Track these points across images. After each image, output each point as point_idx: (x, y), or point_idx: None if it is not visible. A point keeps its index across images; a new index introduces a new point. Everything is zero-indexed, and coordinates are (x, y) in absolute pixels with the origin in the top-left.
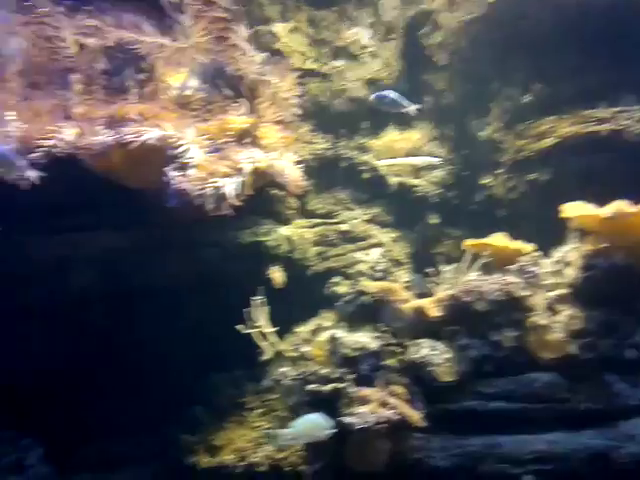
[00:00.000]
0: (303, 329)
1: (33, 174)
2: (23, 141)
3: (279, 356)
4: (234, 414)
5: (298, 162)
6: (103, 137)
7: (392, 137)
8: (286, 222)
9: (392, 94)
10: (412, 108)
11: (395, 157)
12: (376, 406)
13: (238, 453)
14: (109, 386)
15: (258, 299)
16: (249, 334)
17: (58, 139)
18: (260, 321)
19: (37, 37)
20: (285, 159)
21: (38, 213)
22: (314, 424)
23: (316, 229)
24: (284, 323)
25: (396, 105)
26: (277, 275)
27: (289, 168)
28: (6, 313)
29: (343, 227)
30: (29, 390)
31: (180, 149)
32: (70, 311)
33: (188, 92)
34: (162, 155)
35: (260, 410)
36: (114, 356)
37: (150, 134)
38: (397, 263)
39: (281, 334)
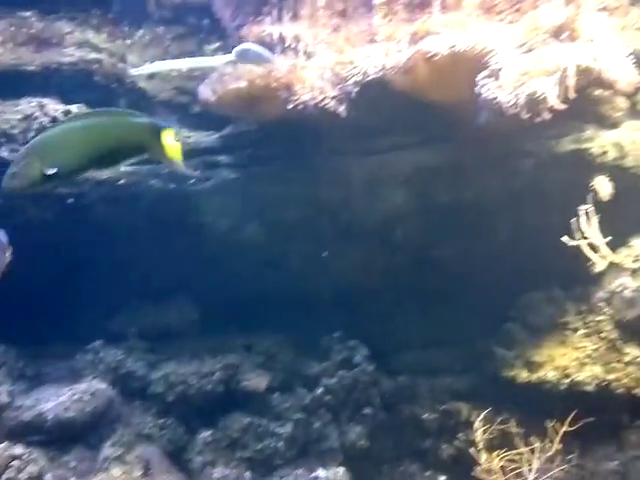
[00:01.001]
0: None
1: (341, 108)
2: (335, 70)
3: (613, 268)
4: (553, 333)
5: (628, 55)
6: (408, 54)
7: None
8: (613, 126)
9: None
10: None
11: None
12: None
13: (561, 371)
14: (423, 299)
15: (585, 208)
16: (569, 250)
17: (367, 64)
18: (589, 232)
19: None
20: (612, 52)
21: (350, 136)
22: None
23: None
24: (613, 237)
25: None
26: (603, 186)
27: (617, 63)
28: (324, 232)
29: None
30: (348, 299)
31: (490, 55)
32: (382, 230)
33: None
34: (471, 64)
35: (583, 331)
36: (427, 272)
37: (457, 43)
38: None
39: (612, 248)
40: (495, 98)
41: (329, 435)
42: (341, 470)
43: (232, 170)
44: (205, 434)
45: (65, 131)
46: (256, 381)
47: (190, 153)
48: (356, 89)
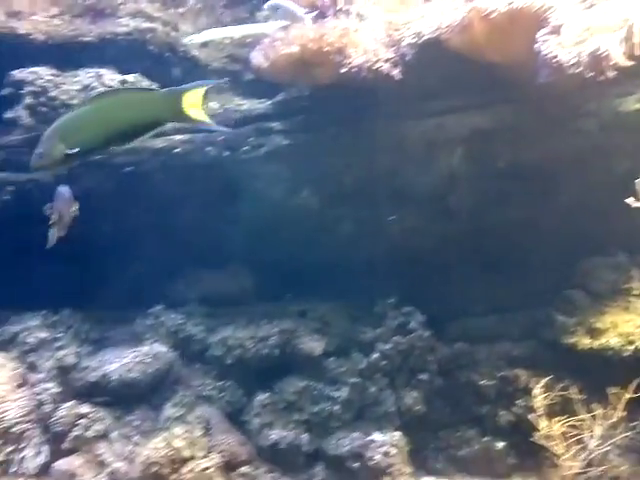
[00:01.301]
0: None
1: (395, 71)
2: (388, 32)
3: None
4: (616, 299)
5: None
6: (464, 12)
7: None
8: None
9: None
10: None
11: None
12: None
13: (624, 337)
14: (480, 265)
15: None
16: (634, 213)
17: (421, 24)
18: None
19: None
20: None
21: (405, 99)
22: None
23: None
24: None
25: None
26: None
27: None
28: (378, 198)
29: None
30: (404, 265)
31: (550, 11)
32: (438, 195)
33: None
34: (529, 22)
35: None
36: (484, 237)
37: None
38: None
39: None
40: (555, 56)
41: (385, 400)
42: (397, 434)
43: (285, 136)
44: (262, 397)
45: (83, 114)
46: (311, 346)
47: (243, 120)
48: (411, 50)
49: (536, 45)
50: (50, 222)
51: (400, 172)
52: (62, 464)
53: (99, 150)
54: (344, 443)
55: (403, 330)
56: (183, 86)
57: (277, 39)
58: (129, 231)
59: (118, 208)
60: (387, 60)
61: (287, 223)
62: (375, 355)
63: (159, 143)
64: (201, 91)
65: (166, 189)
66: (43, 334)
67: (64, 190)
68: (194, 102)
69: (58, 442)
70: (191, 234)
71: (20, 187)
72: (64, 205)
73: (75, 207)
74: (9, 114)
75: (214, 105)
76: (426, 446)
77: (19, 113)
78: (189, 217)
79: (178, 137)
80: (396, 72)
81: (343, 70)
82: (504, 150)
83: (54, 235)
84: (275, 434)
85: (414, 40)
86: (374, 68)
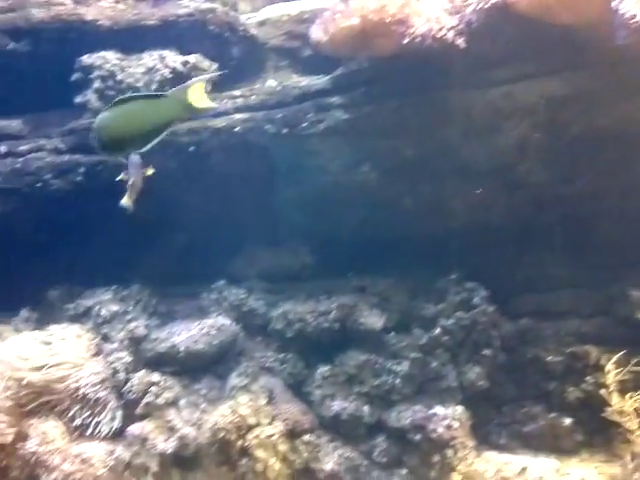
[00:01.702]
0: None
1: (460, 39)
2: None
3: None
4: None
5: None
6: None
7: None
8: None
9: None
10: None
11: None
12: None
13: None
14: (548, 239)
15: None
16: None
17: None
18: None
19: None
20: None
21: (471, 68)
22: None
23: None
24: None
25: None
26: None
27: None
28: (441, 171)
29: None
30: (467, 240)
31: None
32: (505, 166)
33: None
34: None
35: None
36: (553, 210)
37: None
38: None
39: None
40: (634, 15)
41: (447, 374)
42: (460, 408)
43: (345, 111)
44: (323, 369)
45: (106, 119)
46: (372, 320)
47: (302, 97)
48: (476, 17)
49: (613, 4)
50: (126, 186)
51: (465, 144)
52: (135, 429)
53: (127, 149)
54: (406, 415)
55: (466, 305)
56: (184, 84)
57: (337, 12)
58: (191, 209)
59: (181, 187)
60: (451, 28)
61: (346, 198)
62: (437, 330)
63: (219, 123)
64: (201, 84)
65: (226, 168)
66: (115, 307)
67: (135, 158)
68: (198, 95)
69: (131, 408)
70: (251, 211)
71: (90, 168)
72: (136, 171)
73: (146, 173)
74: (79, 98)
75: (272, 83)
76: (489, 421)
77: (88, 97)
78: (249, 195)
79: (238, 116)
80: (461, 40)
81: (406, 41)
82: (577, 118)
83: (129, 200)
84: (337, 405)
85: (479, 6)
86: (438, 37)
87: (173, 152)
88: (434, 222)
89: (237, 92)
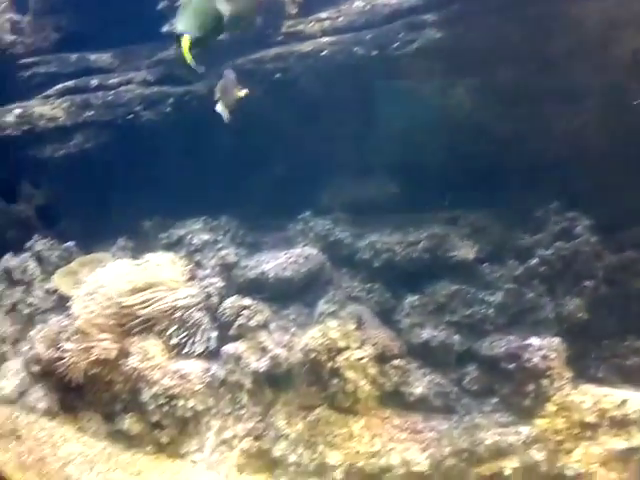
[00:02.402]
0: None
1: None
2: None
3: None
4: None
5: None
6: None
7: None
8: None
9: None
10: None
11: None
12: None
13: None
14: None
15: None
16: None
17: None
18: None
19: None
20: None
21: None
22: None
23: None
24: None
25: None
26: None
27: None
28: (542, 92)
29: None
30: (569, 166)
31: None
32: (617, 84)
33: None
34: None
35: None
36: None
37: None
38: None
39: None
40: None
41: (544, 306)
42: (556, 340)
43: (438, 29)
44: (412, 298)
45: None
46: (463, 251)
47: (392, 16)
48: None
49: None
50: (215, 98)
51: (574, 59)
52: (230, 348)
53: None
54: (499, 345)
55: (567, 235)
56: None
57: None
58: (277, 139)
59: (267, 116)
60: None
61: (437, 124)
62: (533, 261)
63: (306, 47)
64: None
65: (312, 94)
66: (206, 236)
67: (229, 72)
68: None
69: (224, 330)
70: (338, 140)
71: (178, 99)
72: (229, 84)
73: (241, 91)
74: (165, 28)
75: (360, 3)
76: (588, 354)
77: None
78: (335, 123)
79: (325, 39)
80: None
81: None
82: None
83: (224, 110)
84: (426, 333)
85: None
86: None
87: (259, 80)
88: (534, 148)
89: (324, 14)
